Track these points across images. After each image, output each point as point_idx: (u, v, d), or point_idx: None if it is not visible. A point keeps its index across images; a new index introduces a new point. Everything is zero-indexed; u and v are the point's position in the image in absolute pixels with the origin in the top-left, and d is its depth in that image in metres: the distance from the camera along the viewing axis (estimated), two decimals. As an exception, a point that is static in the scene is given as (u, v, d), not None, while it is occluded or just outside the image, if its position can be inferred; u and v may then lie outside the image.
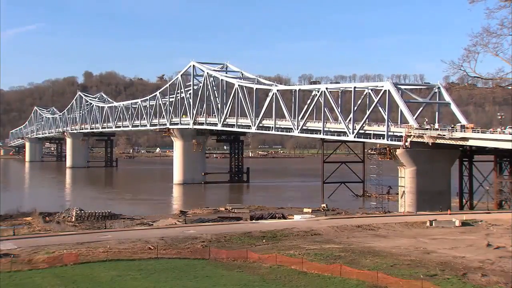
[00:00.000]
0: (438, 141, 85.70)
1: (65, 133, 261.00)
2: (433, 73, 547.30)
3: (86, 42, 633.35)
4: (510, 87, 34.99)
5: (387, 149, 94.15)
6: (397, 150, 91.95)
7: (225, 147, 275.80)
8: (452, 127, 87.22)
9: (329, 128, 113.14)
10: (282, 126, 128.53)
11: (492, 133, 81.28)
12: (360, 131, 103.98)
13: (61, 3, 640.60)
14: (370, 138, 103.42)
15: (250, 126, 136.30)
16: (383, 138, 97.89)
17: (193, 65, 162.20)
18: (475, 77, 32.81)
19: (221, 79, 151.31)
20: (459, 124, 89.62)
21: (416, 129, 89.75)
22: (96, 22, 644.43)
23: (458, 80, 37.86)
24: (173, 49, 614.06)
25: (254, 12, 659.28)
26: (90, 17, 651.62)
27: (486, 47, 31.14)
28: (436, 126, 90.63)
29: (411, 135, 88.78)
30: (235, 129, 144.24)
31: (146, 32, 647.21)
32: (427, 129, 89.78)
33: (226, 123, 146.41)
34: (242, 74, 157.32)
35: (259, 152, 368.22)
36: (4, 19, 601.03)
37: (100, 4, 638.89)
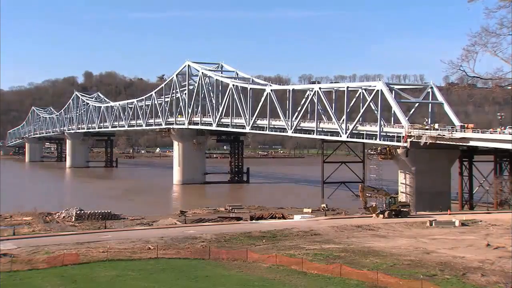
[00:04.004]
0: (438, 141, 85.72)
1: (65, 133, 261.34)
2: (433, 73, 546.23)
3: (86, 42, 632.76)
4: (509, 87, 35.00)
5: (387, 149, 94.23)
6: (397, 150, 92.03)
7: (225, 147, 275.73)
8: (452, 127, 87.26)
9: (322, 128, 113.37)
10: (276, 126, 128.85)
11: (492, 133, 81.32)
12: (354, 131, 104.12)
13: (62, 3, 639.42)
14: (363, 138, 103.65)
15: (244, 126, 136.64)
16: (375, 139, 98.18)
17: (188, 65, 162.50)
18: (474, 77, 32.82)
19: (216, 79, 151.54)
20: (459, 124, 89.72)
21: (416, 129, 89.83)
22: (95, 22, 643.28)
23: (457, 80, 37.89)
24: (173, 48, 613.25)
25: (253, 11, 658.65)
26: (89, 17, 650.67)
27: (485, 46, 31.19)
28: (437, 126, 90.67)
29: (411, 135, 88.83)
30: (229, 129, 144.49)
31: (146, 31, 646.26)
32: (427, 129, 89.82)
33: (221, 123, 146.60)
34: (237, 74, 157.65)
35: (259, 152, 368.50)
36: (4, 18, 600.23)
37: (100, 5, 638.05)
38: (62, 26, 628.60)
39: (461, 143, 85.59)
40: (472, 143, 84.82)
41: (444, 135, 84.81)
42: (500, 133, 79.92)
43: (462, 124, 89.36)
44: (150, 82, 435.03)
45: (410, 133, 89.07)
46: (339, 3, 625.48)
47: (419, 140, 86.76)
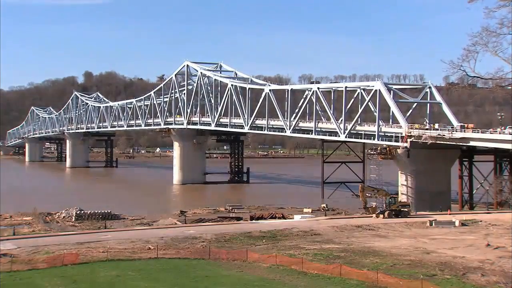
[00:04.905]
0: (439, 141, 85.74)
1: (65, 133, 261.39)
2: (433, 73, 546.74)
3: (86, 42, 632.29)
4: (509, 87, 34.95)
5: (387, 149, 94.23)
6: (398, 150, 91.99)
7: (225, 147, 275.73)
8: (452, 128, 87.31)
9: (321, 128, 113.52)
10: (275, 126, 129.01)
11: (492, 133, 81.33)
12: (352, 131, 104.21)
13: (61, 3, 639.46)
14: (361, 138, 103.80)
15: (243, 125, 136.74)
16: (373, 139, 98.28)
17: (187, 65, 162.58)
18: (474, 76, 32.75)
19: (215, 79, 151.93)
20: (459, 124, 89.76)
21: (415, 129, 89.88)
22: (95, 22, 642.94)
23: (458, 80, 37.81)
24: (173, 48, 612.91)
25: (253, 11, 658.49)
26: (89, 17, 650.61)
27: (486, 46, 31.08)
28: (437, 126, 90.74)
29: (411, 135, 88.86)
30: (228, 129, 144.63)
31: (146, 31, 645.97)
32: (427, 129, 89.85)
33: (219, 122, 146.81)
34: (236, 74, 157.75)
35: (259, 152, 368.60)
36: (4, 16, 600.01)
37: (100, 5, 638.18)
38: (62, 26, 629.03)
39: (461, 143, 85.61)
40: (472, 143, 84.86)
41: (444, 135, 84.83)
42: (500, 133, 79.93)
43: (462, 124, 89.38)
44: (150, 82, 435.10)
45: (410, 133, 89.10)
46: (340, 3, 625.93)
47: (420, 140, 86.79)
